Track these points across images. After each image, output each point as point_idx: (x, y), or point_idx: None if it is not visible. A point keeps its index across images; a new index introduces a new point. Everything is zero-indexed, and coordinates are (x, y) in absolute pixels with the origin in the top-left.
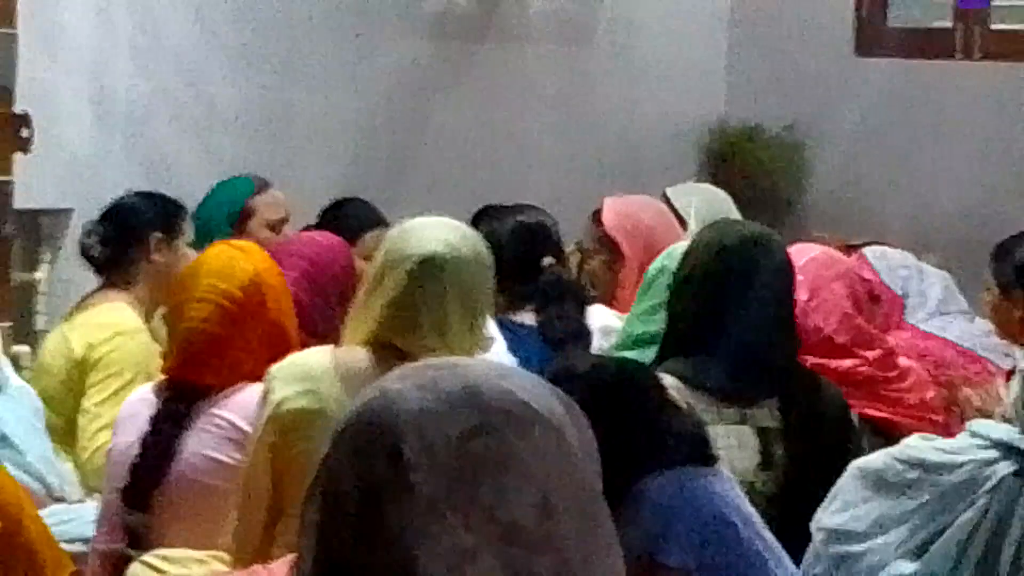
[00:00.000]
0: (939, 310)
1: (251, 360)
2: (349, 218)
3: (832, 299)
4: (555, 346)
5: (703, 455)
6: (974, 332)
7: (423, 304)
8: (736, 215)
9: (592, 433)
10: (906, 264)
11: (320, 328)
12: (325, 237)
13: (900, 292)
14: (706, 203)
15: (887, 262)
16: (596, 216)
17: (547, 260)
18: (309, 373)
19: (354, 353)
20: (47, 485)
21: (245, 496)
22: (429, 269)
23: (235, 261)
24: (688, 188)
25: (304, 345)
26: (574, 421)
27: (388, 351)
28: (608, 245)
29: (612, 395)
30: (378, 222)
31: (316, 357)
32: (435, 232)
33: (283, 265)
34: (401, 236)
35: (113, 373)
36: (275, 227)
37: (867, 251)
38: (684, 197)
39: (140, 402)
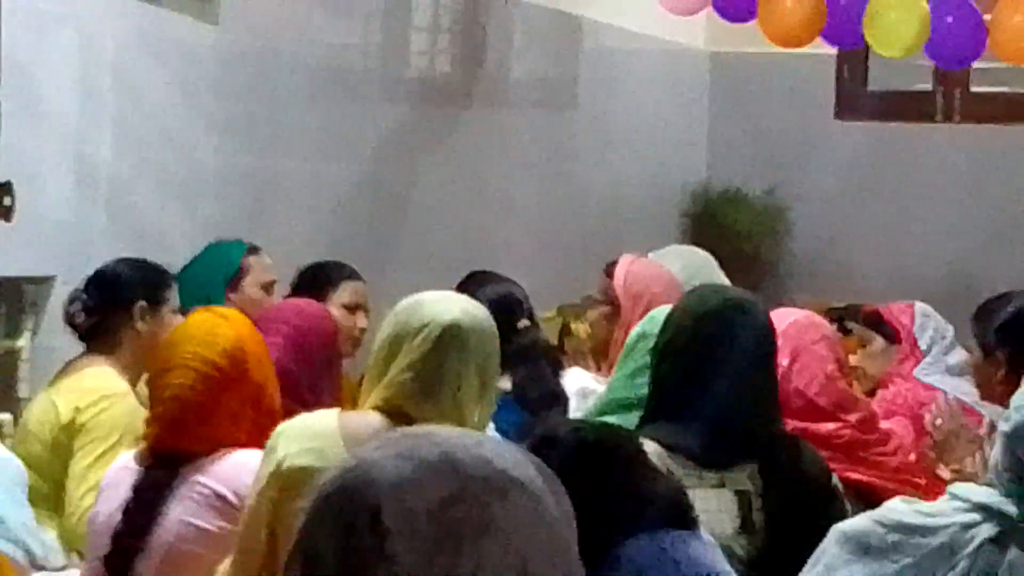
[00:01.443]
0: (949, 373)
1: (233, 427)
2: (324, 274)
3: (815, 362)
4: (530, 408)
5: (683, 518)
6: (976, 392)
7: (445, 370)
8: (721, 276)
9: (569, 500)
10: (944, 334)
11: (306, 395)
12: (309, 305)
13: (923, 349)
14: (689, 267)
15: (927, 321)
16: (609, 269)
17: (522, 323)
18: (315, 432)
19: (362, 417)
20: (30, 553)
21: (241, 549)
22: (453, 336)
23: (217, 328)
24: (671, 252)
25: (289, 412)
26: (551, 488)
27: (397, 419)
28: (612, 300)
29: (593, 458)
30: (353, 276)
31: (323, 418)
32: (452, 303)
33: (268, 332)
34: (414, 307)
35: (100, 436)
36: (267, 288)
37: (919, 305)
38: (666, 262)
39: (123, 470)
